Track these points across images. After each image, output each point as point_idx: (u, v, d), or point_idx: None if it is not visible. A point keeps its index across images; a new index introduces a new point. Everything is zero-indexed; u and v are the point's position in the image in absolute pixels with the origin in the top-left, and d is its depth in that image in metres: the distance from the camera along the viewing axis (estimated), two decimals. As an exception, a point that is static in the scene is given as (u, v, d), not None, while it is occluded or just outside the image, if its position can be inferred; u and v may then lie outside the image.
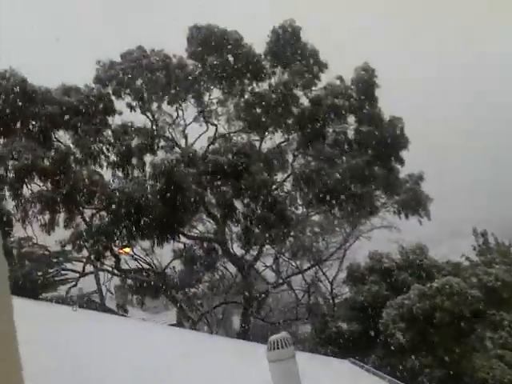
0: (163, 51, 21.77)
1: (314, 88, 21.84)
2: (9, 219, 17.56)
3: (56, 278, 20.26)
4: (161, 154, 20.02)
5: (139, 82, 21.53)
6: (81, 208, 18.14)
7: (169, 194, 17.33)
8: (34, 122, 17.64)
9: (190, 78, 21.35)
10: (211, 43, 20.86)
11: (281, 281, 23.77)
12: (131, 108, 21.31)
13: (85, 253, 19.10)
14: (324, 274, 23.29)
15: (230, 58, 20.84)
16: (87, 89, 19.95)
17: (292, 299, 25.44)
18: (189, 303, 21.94)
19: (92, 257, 18.50)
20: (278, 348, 5.20)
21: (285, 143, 22.41)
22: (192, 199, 17.70)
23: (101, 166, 18.85)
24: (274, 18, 21.97)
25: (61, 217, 18.20)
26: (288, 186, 21.96)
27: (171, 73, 21.31)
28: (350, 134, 21.94)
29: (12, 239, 19.17)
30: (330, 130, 21.59)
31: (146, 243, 19.26)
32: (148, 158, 19.58)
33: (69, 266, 20.34)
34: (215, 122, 22.17)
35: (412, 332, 16.12)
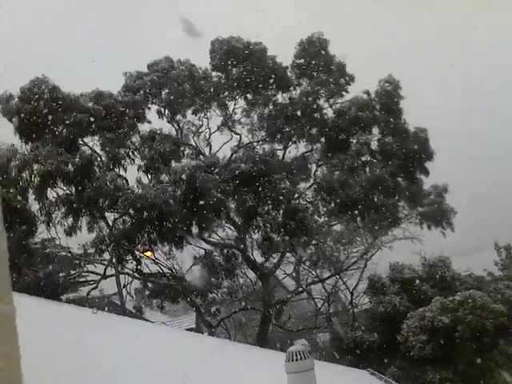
0: (189, 61, 22.01)
1: (339, 100, 21.89)
2: (33, 220, 17.86)
3: (77, 280, 20.53)
4: (185, 161, 20.23)
5: (166, 91, 21.81)
6: (103, 212, 18.34)
7: (190, 200, 17.45)
8: (61, 128, 17.95)
9: (213, 88, 21.56)
10: (234, 55, 21.02)
11: (300, 289, 23.67)
12: (160, 114, 21.60)
13: (106, 256, 19.33)
14: (344, 283, 23.13)
15: (255, 70, 20.93)
16: (120, 94, 20.27)
17: (311, 308, 25.29)
18: (208, 308, 21.99)
19: (113, 260, 18.70)
20: (297, 360, 5.16)
21: (308, 153, 22.43)
22: (213, 205, 17.79)
23: (125, 170, 19.09)
24: (302, 31, 22.07)
25: (84, 220, 18.46)
26: (310, 195, 21.96)
27: (196, 83, 21.54)
28: (374, 145, 21.89)
29: (36, 240, 19.50)
30: (354, 141, 21.54)
31: (167, 248, 19.42)
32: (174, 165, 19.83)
33: (91, 268, 20.61)
34: (239, 132, 22.31)
35: (433, 344, 15.91)
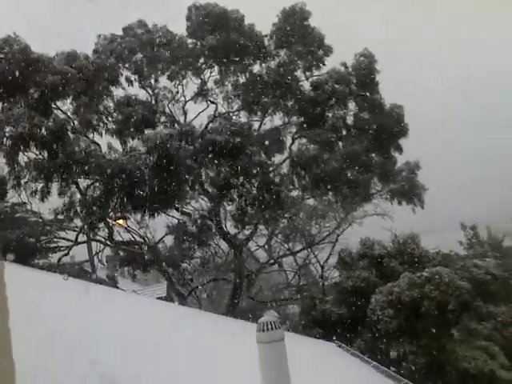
0: (166, 26, 21.57)
1: (317, 72, 21.75)
2: (3, 184, 17.50)
3: (48, 246, 20.31)
4: (159, 129, 19.96)
5: (139, 56, 21.38)
6: (76, 178, 18.06)
7: (162, 168, 17.29)
8: (34, 90, 17.45)
9: (189, 55, 21.20)
10: (210, 22, 20.64)
11: (272, 261, 23.89)
12: (129, 82, 21.19)
13: (78, 222, 19.14)
14: (315, 256, 23.43)
15: (231, 38, 20.60)
16: (94, 56, 19.78)
17: (282, 280, 25.61)
18: (179, 278, 22.07)
19: (85, 227, 18.52)
20: (268, 330, 5.22)
21: (284, 126, 22.37)
22: (186, 175, 17.68)
23: (100, 134, 18.76)
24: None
25: (55, 185, 18.16)
26: (285, 168, 22.00)
27: (172, 49, 21.14)
28: (350, 119, 21.91)
29: (6, 204, 19.16)
30: (330, 115, 21.52)
31: (140, 216, 19.29)
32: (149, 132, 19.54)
33: (62, 234, 20.38)
34: (215, 101, 22.05)
35: (399, 319, 16.27)
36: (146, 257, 20.47)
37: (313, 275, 24.04)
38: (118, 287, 20.07)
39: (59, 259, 18.79)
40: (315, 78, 21.76)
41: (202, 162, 19.23)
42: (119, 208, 18.00)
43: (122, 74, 21.15)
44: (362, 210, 22.51)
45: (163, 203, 18.02)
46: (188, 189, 19.27)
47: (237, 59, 21.19)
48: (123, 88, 20.52)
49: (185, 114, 22.28)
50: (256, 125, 22.07)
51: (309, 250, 23.44)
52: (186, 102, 22.28)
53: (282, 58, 21.51)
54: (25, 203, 18.76)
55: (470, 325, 17.20)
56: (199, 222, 21.53)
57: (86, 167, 17.18)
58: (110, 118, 19.04)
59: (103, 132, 18.99)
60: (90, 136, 18.78)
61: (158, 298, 22.17)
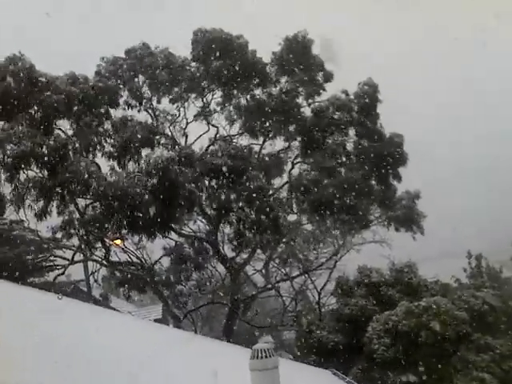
0: (168, 49, 21.84)
1: (317, 98, 21.96)
2: (2, 202, 17.49)
3: (45, 264, 20.24)
4: (159, 151, 20.09)
5: (141, 78, 21.62)
6: (75, 197, 18.06)
7: (162, 191, 17.31)
8: (36, 109, 17.57)
9: (192, 79, 21.43)
10: (215, 47, 20.92)
11: (269, 286, 23.74)
12: (129, 105, 21.34)
13: (75, 241, 19.08)
14: (313, 282, 23.28)
15: (235, 63, 20.85)
16: (94, 79, 19.96)
17: (279, 305, 25.41)
18: (175, 300, 21.91)
19: (82, 246, 18.46)
20: (262, 357, 5.17)
21: (284, 151, 22.50)
22: (186, 198, 17.69)
23: (95, 157, 18.80)
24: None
25: (54, 204, 18.14)
26: (284, 193, 22.05)
27: (174, 71, 21.37)
28: (350, 147, 22.04)
29: (3, 221, 19.14)
30: (330, 142, 21.67)
31: (137, 237, 19.22)
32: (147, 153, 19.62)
33: (59, 253, 20.31)
34: (216, 124, 22.22)
35: (396, 348, 16.14)
36: (142, 278, 20.35)
37: (310, 301, 23.87)
38: (111, 307, 19.94)
39: (55, 278, 18.69)
40: (316, 104, 21.95)
41: (201, 185, 19.26)
42: (117, 229, 17.96)
43: (122, 96, 21.33)
44: (360, 236, 22.47)
45: (162, 226, 18.01)
46: (187, 211, 19.22)
47: (239, 84, 21.41)
48: (124, 109, 20.66)
49: (186, 136, 22.41)
50: (257, 149, 22.18)
51: (306, 275, 23.31)
52: (187, 124, 22.45)
53: (284, 85, 21.74)
54: (22, 221, 18.74)
55: (467, 356, 17.01)
56: (196, 244, 21.48)
57: (87, 188, 17.19)
58: (109, 140, 19.07)
59: (103, 153, 19.04)
60: (90, 157, 18.81)
61: (153, 320, 22.02)
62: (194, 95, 22.15)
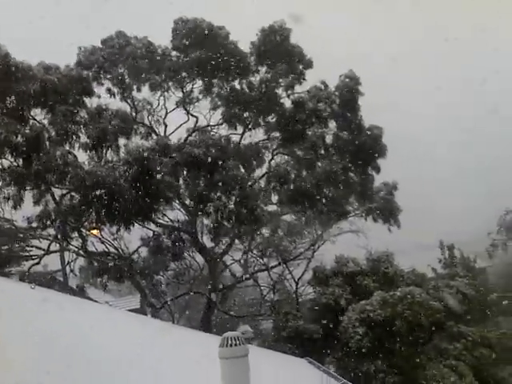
0: (147, 38, 21.64)
1: (298, 88, 21.96)
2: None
3: (20, 254, 20.02)
4: (137, 140, 19.96)
5: (121, 68, 21.39)
6: (51, 187, 17.85)
7: (140, 181, 17.21)
8: (11, 97, 17.26)
9: (172, 68, 21.27)
10: (196, 37, 20.76)
11: (247, 276, 23.82)
12: (111, 94, 21.15)
13: (51, 231, 18.89)
14: (290, 272, 23.42)
15: (215, 53, 20.73)
16: (67, 69, 19.66)
17: (257, 295, 25.51)
18: (153, 290, 21.86)
19: (58, 236, 18.29)
20: (231, 345, 5.21)
21: (264, 141, 22.49)
22: (164, 188, 17.61)
23: (72, 147, 18.59)
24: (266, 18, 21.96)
25: (30, 194, 17.94)
26: (263, 183, 22.08)
27: (155, 61, 21.19)
28: (329, 138, 22.13)
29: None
30: (310, 133, 21.73)
31: (115, 227, 19.08)
32: (125, 143, 19.49)
33: (35, 242, 20.10)
34: (196, 114, 22.11)
35: (371, 337, 16.34)
36: (119, 268, 20.24)
37: (287, 291, 24.01)
38: (88, 297, 19.83)
39: (29, 268, 18.50)
40: (296, 95, 21.95)
41: (179, 175, 19.19)
42: (94, 219, 17.81)
43: (102, 84, 21.13)
44: (337, 227, 22.63)
45: (140, 216, 17.92)
46: (165, 202, 19.14)
47: (220, 74, 21.31)
48: (99, 97, 20.38)
49: (165, 126, 22.28)
50: (236, 139, 22.14)
51: (284, 265, 23.43)
52: (166, 113, 22.31)
53: (264, 75, 21.68)
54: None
55: (440, 344, 17.33)
56: (175, 234, 21.42)
57: (62, 176, 16.99)
58: (85, 129, 18.85)
59: (79, 144, 18.81)
60: (67, 146, 18.58)
61: (130, 310, 21.95)
62: (174, 85, 21.99)
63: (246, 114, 21.64)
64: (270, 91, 21.45)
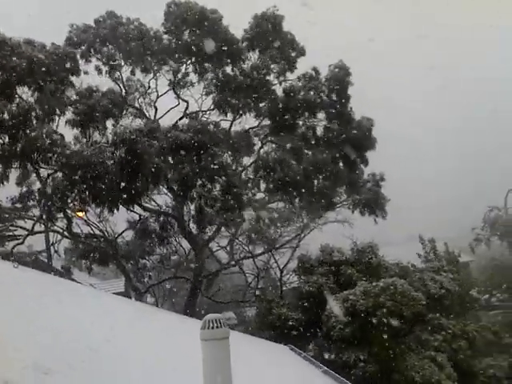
0: (139, 20, 21.44)
1: (289, 75, 21.87)
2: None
3: (5, 233, 19.90)
4: (126, 122, 19.79)
5: (112, 49, 21.20)
6: (37, 166, 17.70)
7: (127, 163, 17.11)
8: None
9: (163, 51, 21.10)
10: (189, 20, 20.58)
11: (233, 262, 23.90)
12: (99, 71, 20.96)
13: (36, 212, 18.77)
14: (276, 261, 23.52)
15: (207, 37, 20.57)
16: (54, 46, 19.44)
17: (242, 282, 25.63)
18: (138, 274, 21.85)
19: (43, 216, 18.16)
20: (212, 327, 5.21)
21: (255, 129, 22.44)
22: (151, 172, 17.50)
23: (58, 126, 18.43)
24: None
25: (15, 174, 17.78)
26: (251, 171, 22.07)
27: (147, 43, 21.00)
28: (320, 129, 22.13)
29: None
30: (300, 123, 21.71)
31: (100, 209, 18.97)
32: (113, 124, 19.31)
33: (20, 223, 19.97)
34: (186, 99, 21.98)
35: (352, 327, 16.47)
36: (104, 251, 20.18)
37: (272, 279, 24.13)
38: (73, 279, 19.78)
39: (13, 247, 18.38)
40: (288, 83, 21.86)
41: (166, 159, 19.11)
42: (80, 200, 17.69)
43: (90, 62, 20.98)
44: (324, 216, 22.72)
45: (126, 198, 17.83)
46: (152, 186, 19.05)
47: (211, 59, 21.17)
48: (85, 73, 20.14)
49: (155, 109, 22.15)
50: (226, 125, 22.07)
51: (269, 253, 23.53)
52: (157, 97, 22.17)
53: (255, 61, 21.58)
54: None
55: (421, 335, 17.54)
56: (161, 219, 21.38)
57: (49, 156, 16.83)
58: (72, 108, 18.66)
59: (66, 121, 18.63)
60: (54, 126, 18.40)
61: (115, 294, 21.94)
62: (165, 68, 21.82)
63: (236, 100, 21.52)
64: (262, 78, 21.36)
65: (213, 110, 21.88)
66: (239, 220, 20.80)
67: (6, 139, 16.72)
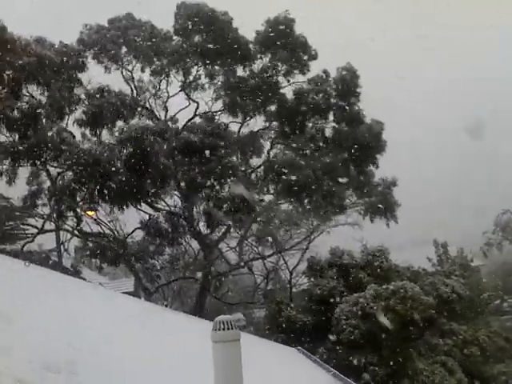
0: (150, 22, 21.48)
1: (300, 78, 21.80)
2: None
3: (15, 232, 19.97)
4: (136, 121, 19.82)
5: (123, 49, 21.27)
6: (47, 165, 17.75)
7: (135, 161, 17.10)
8: (8, 72, 17.05)
9: (174, 53, 21.12)
10: (198, 22, 20.56)
11: (242, 264, 23.84)
12: (106, 68, 21.02)
13: (46, 210, 18.85)
14: (285, 262, 23.46)
15: (217, 39, 20.54)
16: (62, 45, 19.50)
17: (250, 283, 25.57)
18: (147, 274, 21.85)
19: (54, 215, 18.22)
20: (223, 329, 5.15)
21: (264, 130, 22.40)
22: (160, 171, 17.48)
23: (67, 125, 18.48)
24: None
25: (26, 172, 17.85)
26: (261, 172, 22.02)
27: (158, 44, 21.04)
28: (329, 131, 22.02)
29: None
30: (310, 125, 21.62)
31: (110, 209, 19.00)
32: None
33: (32, 221, 20.03)
34: (197, 100, 21.98)
35: (362, 330, 16.38)
36: (114, 250, 20.20)
37: (281, 281, 24.06)
38: (82, 278, 19.80)
39: (23, 246, 18.45)
40: (298, 86, 21.78)
41: (176, 160, 19.11)
42: (88, 198, 17.72)
43: (102, 63, 21.01)
44: (334, 219, 22.60)
45: (134, 197, 17.83)
46: (161, 186, 19.04)
47: (222, 61, 21.15)
48: (96, 75, 20.22)
49: (166, 110, 22.18)
50: (237, 127, 22.06)
51: (279, 255, 23.46)
52: (168, 98, 22.19)
53: (266, 64, 21.53)
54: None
55: (431, 340, 17.41)
56: (171, 219, 21.36)
57: (58, 154, 16.86)
58: (82, 107, 18.70)
59: (74, 120, 18.68)
60: (63, 124, 18.46)
61: (124, 293, 21.93)
62: (176, 69, 21.84)
63: (246, 102, 21.49)
64: (272, 80, 21.31)
65: (223, 110, 21.88)
66: (248, 221, 20.76)
67: (16, 137, 16.77)
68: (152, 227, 21.19)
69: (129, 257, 20.67)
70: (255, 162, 22.53)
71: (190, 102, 22.00)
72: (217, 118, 21.89)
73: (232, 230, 22.30)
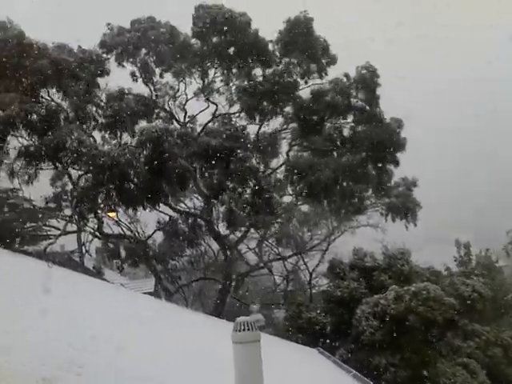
0: (170, 23, 21.58)
1: (319, 81, 21.68)
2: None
3: (38, 233, 20.24)
4: (155, 122, 19.93)
5: (144, 52, 21.41)
6: (67, 167, 17.97)
7: (154, 163, 17.21)
8: (26, 76, 17.27)
9: (193, 55, 21.19)
10: (217, 24, 20.58)
11: (262, 264, 23.85)
12: (134, 78, 21.20)
13: (68, 212, 19.08)
14: (305, 263, 23.40)
15: (236, 41, 20.54)
16: (81, 50, 19.71)
17: (271, 284, 25.57)
18: (167, 274, 21.99)
19: (75, 217, 18.44)
20: (244, 330, 5.17)
21: (282, 132, 22.35)
22: (179, 173, 17.55)
23: (88, 128, 18.62)
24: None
25: (48, 174, 18.07)
26: (280, 174, 22.01)
27: (177, 47, 21.14)
28: (347, 131, 21.85)
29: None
30: (328, 125, 21.51)
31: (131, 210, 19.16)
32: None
33: (54, 223, 20.29)
34: (216, 102, 22.02)
35: (383, 331, 16.26)
36: (135, 251, 20.37)
37: (301, 282, 24.01)
38: (103, 279, 20.01)
39: (45, 247, 18.69)
40: (316, 87, 21.66)
41: (195, 163, 19.20)
42: (109, 200, 17.88)
43: (124, 67, 21.19)
44: (354, 219, 22.47)
45: (153, 199, 17.94)
46: (180, 188, 19.12)
47: (240, 62, 21.15)
48: (116, 76, 20.35)
49: (185, 112, 22.27)
50: (255, 129, 22.05)
51: (299, 256, 23.41)
52: (187, 100, 22.29)
53: (285, 65, 21.46)
54: (17, 189, 18.69)
55: (453, 341, 17.20)
56: (191, 220, 21.47)
57: (78, 156, 17.05)
58: (101, 111, 18.86)
59: (96, 124, 18.87)
60: (83, 127, 18.66)
61: (145, 293, 22.12)
62: (195, 71, 21.91)
63: (264, 104, 21.44)
64: (290, 81, 21.22)
65: (241, 112, 21.88)
66: (269, 222, 20.75)
67: (36, 140, 16.99)
68: (172, 229, 21.35)
69: (149, 258, 20.82)
70: (274, 163, 22.55)
71: (209, 104, 22.07)
72: (234, 119, 21.91)
73: (252, 230, 22.32)
